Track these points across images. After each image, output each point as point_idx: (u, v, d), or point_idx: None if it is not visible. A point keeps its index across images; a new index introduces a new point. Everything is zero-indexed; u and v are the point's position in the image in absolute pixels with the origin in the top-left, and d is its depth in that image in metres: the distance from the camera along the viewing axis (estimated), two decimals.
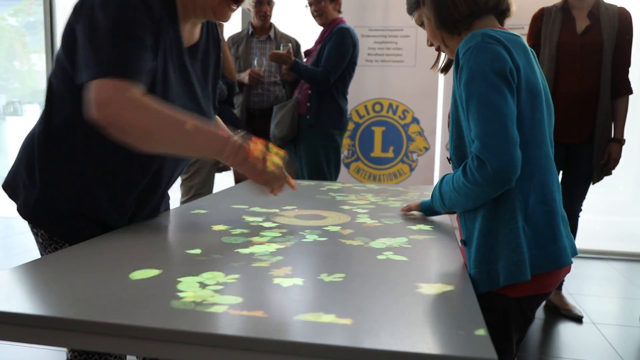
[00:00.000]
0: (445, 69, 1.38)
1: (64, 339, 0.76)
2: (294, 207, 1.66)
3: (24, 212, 1.25)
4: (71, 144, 1.21)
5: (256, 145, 1.23)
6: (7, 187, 1.31)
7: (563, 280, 2.98)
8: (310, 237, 1.26)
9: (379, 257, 1.11)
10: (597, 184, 2.90)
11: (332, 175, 3.14)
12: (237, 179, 3.60)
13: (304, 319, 0.76)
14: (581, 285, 3.43)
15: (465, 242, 1.14)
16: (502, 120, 1.02)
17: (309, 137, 3.07)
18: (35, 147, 1.23)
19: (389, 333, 0.72)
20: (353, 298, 0.85)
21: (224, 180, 3.98)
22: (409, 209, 1.60)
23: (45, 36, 4.85)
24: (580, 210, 2.91)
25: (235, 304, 0.81)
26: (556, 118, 2.31)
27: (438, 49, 1.31)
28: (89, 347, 0.75)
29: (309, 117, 3.05)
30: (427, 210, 1.54)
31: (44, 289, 0.87)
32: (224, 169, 3.34)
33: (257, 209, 1.61)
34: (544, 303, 2.99)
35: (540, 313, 2.97)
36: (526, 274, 1.05)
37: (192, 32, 1.33)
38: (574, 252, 1.16)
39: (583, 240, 3.04)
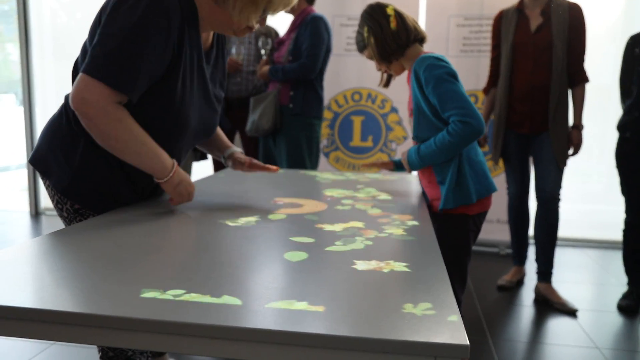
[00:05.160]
0: (387, 84, 1.99)
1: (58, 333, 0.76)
2: (272, 195, 1.67)
3: (59, 188, 1.40)
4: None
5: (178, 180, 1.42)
6: (37, 164, 1.44)
7: (551, 273, 3.04)
8: (275, 218, 1.27)
9: (353, 244, 1.12)
10: (572, 174, 2.97)
11: (313, 166, 3.15)
12: (216, 167, 3.59)
13: (277, 306, 0.77)
14: (556, 272, 3.49)
15: (441, 182, 1.74)
16: (467, 99, 1.65)
17: (291, 128, 3.06)
18: (77, 128, 1.36)
19: (363, 320, 0.73)
20: (324, 284, 0.86)
21: (202, 168, 3.97)
22: (381, 165, 1.98)
23: (19, 25, 4.71)
24: (559, 199, 2.96)
25: (205, 292, 0.81)
26: (511, 112, 3.02)
27: (385, 71, 1.92)
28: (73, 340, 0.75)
29: (292, 105, 3.03)
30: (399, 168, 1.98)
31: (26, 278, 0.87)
32: (202, 157, 3.32)
33: (234, 199, 1.61)
34: (533, 296, 3.08)
35: (525, 300, 3.03)
36: (472, 198, 1.72)
37: (206, 39, 1.48)
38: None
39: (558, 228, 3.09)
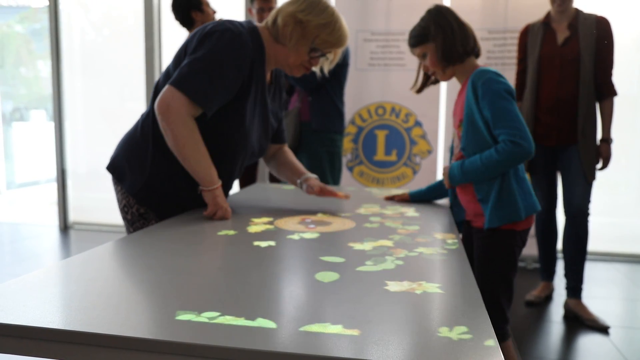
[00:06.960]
0: (420, 90, 1.94)
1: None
2: (299, 213, 1.67)
3: (131, 191, 1.64)
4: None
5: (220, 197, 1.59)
6: (114, 171, 1.69)
7: (581, 289, 3.00)
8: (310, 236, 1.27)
9: (383, 264, 1.12)
10: (599, 186, 2.92)
11: (335, 181, 3.14)
12: (242, 184, 3.61)
13: (311, 330, 0.77)
14: (585, 287, 3.42)
15: (482, 200, 1.73)
16: (521, 120, 1.65)
17: (311, 144, 3.06)
18: (149, 141, 1.62)
19: (400, 344, 0.73)
20: (357, 306, 0.86)
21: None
22: (400, 198, 2.02)
23: (50, 43, 4.84)
24: (589, 214, 2.92)
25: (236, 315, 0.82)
26: (538, 124, 2.96)
27: (432, 74, 1.87)
28: None
29: (313, 122, 3.04)
30: (415, 197, 2.02)
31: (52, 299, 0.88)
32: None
33: (262, 217, 1.62)
34: (563, 312, 3.03)
35: (554, 316, 2.98)
36: (521, 215, 1.70)
37: (267, 74, 1.71)
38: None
39: None
